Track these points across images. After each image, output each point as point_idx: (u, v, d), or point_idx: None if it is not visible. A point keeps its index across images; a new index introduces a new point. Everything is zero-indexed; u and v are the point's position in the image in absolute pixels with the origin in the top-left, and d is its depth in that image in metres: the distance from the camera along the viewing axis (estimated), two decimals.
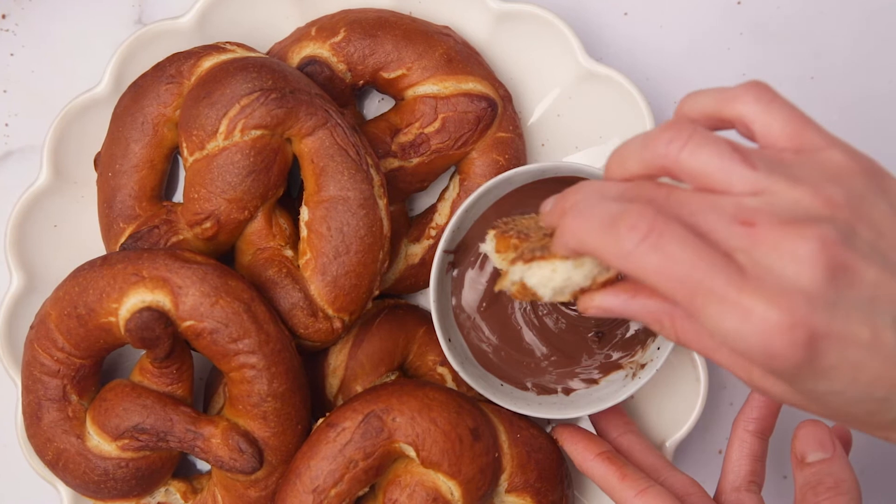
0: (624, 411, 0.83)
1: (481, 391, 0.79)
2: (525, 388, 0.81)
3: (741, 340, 0.50)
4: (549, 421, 0.87)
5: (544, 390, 0.81)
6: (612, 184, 0.57)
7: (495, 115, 0.84)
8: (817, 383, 0.51)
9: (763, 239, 0.50)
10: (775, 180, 0.52)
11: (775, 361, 0.50)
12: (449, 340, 0.79)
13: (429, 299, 0.80)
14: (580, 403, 0.80)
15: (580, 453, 0.78)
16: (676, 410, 0.86)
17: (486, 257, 0.80)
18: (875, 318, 0.50)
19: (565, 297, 0.62)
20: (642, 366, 0.80)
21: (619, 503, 0.74)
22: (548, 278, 0.61)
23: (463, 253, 0.80)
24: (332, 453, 0.76)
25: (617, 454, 0.77)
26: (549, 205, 0.61)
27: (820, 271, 0.49)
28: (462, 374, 0.78)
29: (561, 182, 0.79)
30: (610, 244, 0.53)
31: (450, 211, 0.86)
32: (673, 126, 0.55)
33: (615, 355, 0.81)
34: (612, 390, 0.80)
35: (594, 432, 0.82)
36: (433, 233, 0.86)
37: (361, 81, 0.85)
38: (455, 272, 0.81)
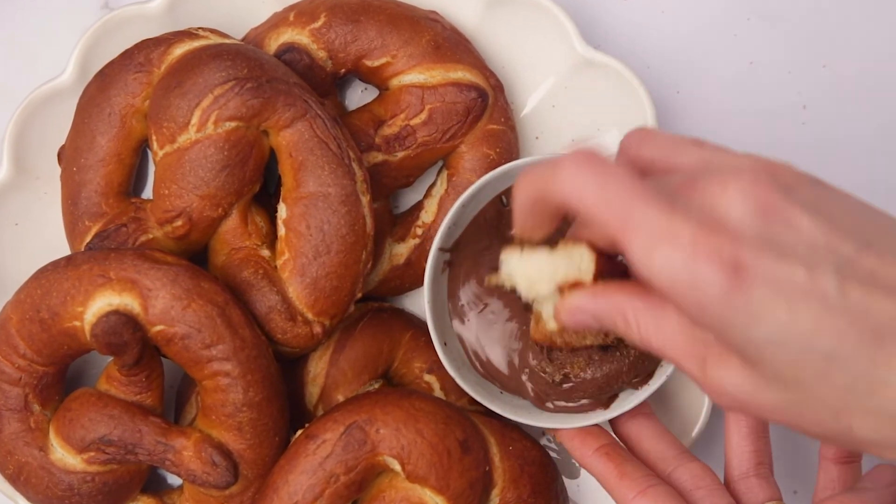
0: None
1: (479, 398, 0.78)
2: (526, 396, 0.79)
3: (668, 269, 0.51)
4: (543, 432, 0.86)
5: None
6: None
7: (486, 106, 0.83)
8: (754, 327, 0.51)
9: (701, 186, 0.53)
10: (720, 154, 0.57)
11: (700, 290, 0.50)
12: (445, 344, 0.78)
13: (415, 302, 0.79)
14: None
15: (577, 449, 0.77)
16: (681, 421, 0.85)
17: (483, 257, 0.80)
18: (813, 263, 0.51)
19: (543, 295, 0.64)
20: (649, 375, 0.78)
21: (618, 503, 0.73)
22: (522, 265, 0.64)
23: (459, 251, 0.80)
24: (312, 467, 0.75)
25: (617, 448, 0.75)
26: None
27: (750, 207, 0.51)
28: (459, 381, 0.77)
29: None
30: (553, 172, 0.55)
31: (437, 208, 0.85)
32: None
33: None
34: (618, 399, 0.79)
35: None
36: (419, 231, 0.86)
37: (343, 70, 0.84)
38: (451, 272, 0.80)
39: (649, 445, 0.76)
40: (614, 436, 0.78)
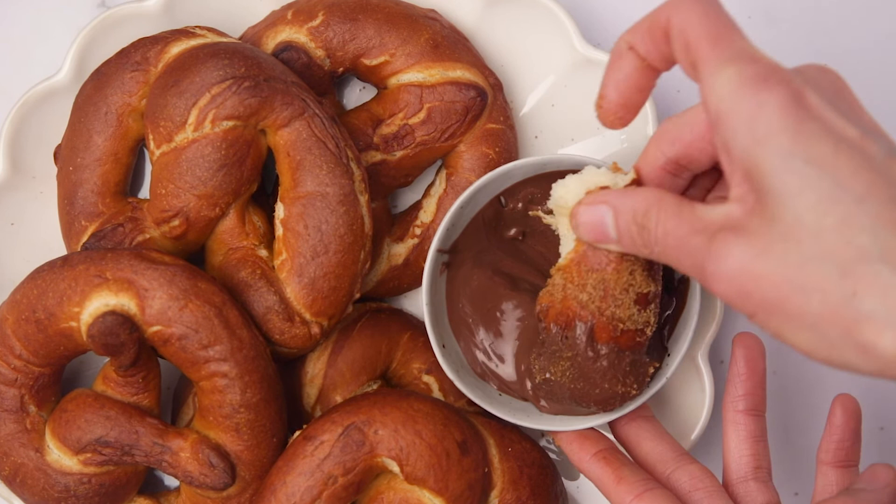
0: None
1: (478, 401, 0.77)
2: (525, 399, 0.79)
3: (737, 81, 0.54)
4: (542, 433, 0.86)
5: None
6: None
7: (485, 105, 0.83)
8: (797, 151, 0.53)
9: None
10: None
11: (760, 104, 0.53)
12: (443, 346, 0.78)
13: (413, 303, 0.79)
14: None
15: (576, 453, 0.76)
16: (681, 424, 0.84)
17: (482, 258, 0.79)
18: (867, 135, 0.53)
19: (569, 203, 0.67)
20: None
21: None
22: (565, 181, 0.68)
23: (458, 253, 0.79)
24: (310, 468, 0.75)
25: (616, 452, 0.75)
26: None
27: (826, 79, 0.56)
28: (457, 383, 0.77)
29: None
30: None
31: (436, 208, 0.85)
32: None
33: None
34: None
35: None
36: (418, 231, 0.85)
37: (341, 69, 0.84)
38: (449, 273, 0.79)
39: (648, 447, 0.76)
40: (613, 439, 0.77)
